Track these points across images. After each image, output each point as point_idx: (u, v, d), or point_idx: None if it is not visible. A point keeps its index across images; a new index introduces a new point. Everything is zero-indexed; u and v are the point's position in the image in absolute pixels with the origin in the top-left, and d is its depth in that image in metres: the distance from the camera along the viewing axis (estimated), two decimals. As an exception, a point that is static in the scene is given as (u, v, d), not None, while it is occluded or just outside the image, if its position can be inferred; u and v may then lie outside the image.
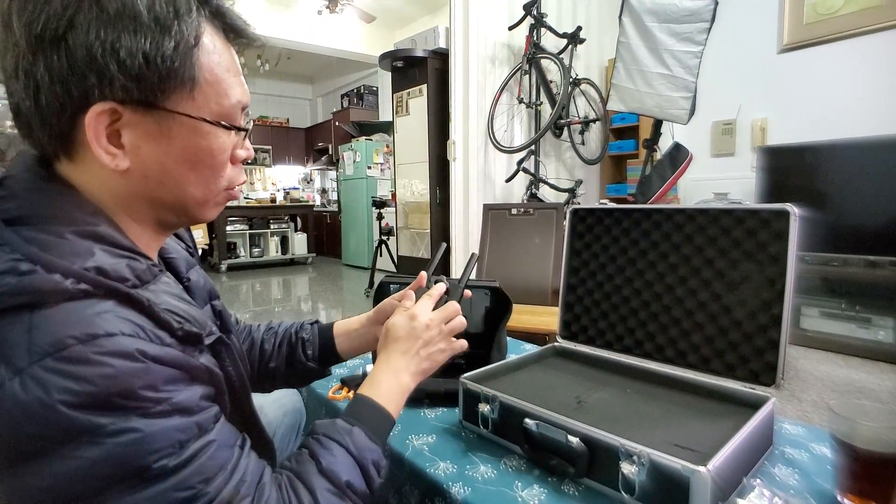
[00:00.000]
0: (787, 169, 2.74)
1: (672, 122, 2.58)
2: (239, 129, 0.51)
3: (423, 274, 0.78)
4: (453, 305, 0.71)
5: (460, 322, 0.71)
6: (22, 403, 0.35)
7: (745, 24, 3.18)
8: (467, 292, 0.77)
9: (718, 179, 3.24)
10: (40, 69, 0.41)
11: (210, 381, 0.47)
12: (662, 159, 2.75)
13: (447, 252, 2.88)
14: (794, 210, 0.75)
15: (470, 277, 0.77)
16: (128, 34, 0.41)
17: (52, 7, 0.40)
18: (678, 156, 2.72)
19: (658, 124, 2.73)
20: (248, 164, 0.56)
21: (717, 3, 2.31)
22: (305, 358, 0.79)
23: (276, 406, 0.90)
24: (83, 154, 0.45)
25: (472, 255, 0.85)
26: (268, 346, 0.80)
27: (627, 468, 0.58)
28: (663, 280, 0.91)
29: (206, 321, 0.50)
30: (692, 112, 2.48)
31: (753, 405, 0.72)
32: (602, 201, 3.64)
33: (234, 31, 0.50)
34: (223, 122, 0.49)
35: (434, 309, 0.69)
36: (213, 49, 0.47)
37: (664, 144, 2.82)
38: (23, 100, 0.43)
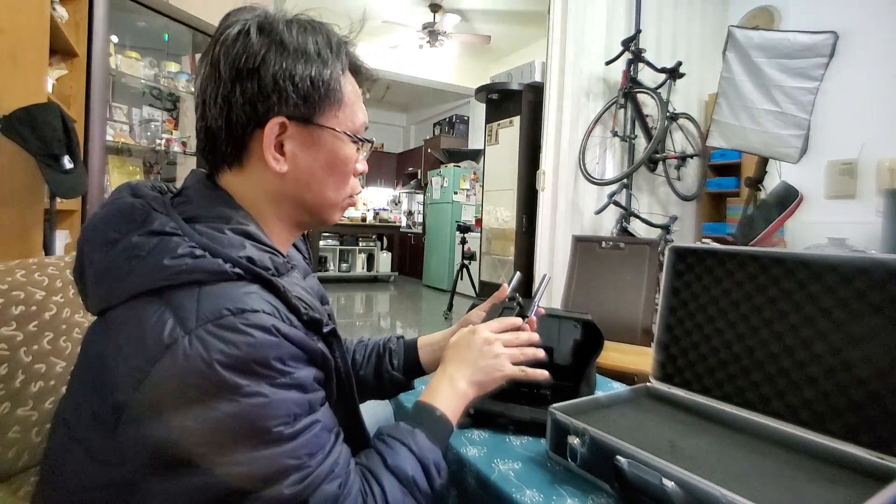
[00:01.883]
0: (922, 216, 2.45)
1: (780, 160, 2.42)
2: (367, 141, 0.63)
3: (505, 286, 0.82)
4: (511, 319, 0.75)
5: (526, 338, 0.74)
6: (189, 357, 0.43)
7: (872, 54, 2.92)
8: (540, 310, 0.81)
9: (834, 223, 2.96)
10: (236, 94, 0.54)
11: (323, 366, 0.54)
12: (767, 199, 2.58)
13: (529, 278, 2.86)
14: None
15: (560, 308, 0.79)
16: (300, 64, 0.55)
17: (251, 48, 0.53)
18: (786, 196, 2.53)
19: (764, 162, 2.58)
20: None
21: (837, 37, 2.16)
22: (392, 368, 0.85)
23: (368, 414, 0.95)
24: (250, 162, 0.57)
25: (544, 276, 0.87)
26: (359, 356, 0.87)
27: (730, 521, 0.55)
28: (771, 327, 0.85)
29: (324, 313, 0.58)
30: (804, 150, 2.31)
31: (882, 477, 0.65)
32: (705, 240, 3.45)
33: (359, 68, 0.64)
34: (357, 136, 0.61)
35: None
36: (349, 79, 0.61)
37: (769, 184, 2.64)
38: (215, 120, 0.55)
